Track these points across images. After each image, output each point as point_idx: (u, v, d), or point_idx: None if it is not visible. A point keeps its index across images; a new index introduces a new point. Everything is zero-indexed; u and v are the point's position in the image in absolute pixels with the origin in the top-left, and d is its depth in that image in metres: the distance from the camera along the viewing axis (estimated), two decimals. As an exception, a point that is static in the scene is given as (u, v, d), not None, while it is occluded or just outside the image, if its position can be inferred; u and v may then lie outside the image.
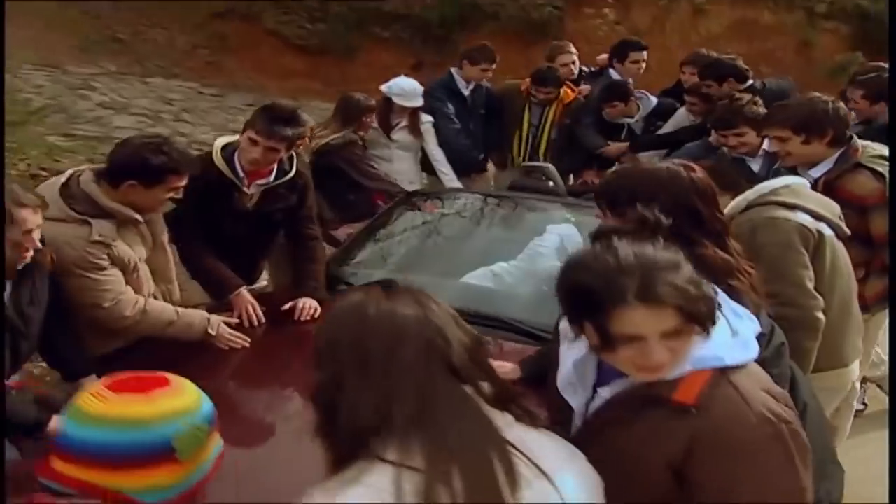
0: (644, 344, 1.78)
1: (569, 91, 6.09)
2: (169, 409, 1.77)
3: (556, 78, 5.96)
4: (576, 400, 2.07)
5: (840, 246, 3.21)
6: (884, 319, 4.00)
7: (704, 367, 1.85)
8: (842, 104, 3.74)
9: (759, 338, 2.12)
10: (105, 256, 3.22)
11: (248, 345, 3.39)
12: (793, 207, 3.09)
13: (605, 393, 2.01)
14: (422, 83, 5.77)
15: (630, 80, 6.03)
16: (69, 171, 3.33)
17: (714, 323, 1.85)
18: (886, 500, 2.86)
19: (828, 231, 3.14)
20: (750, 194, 3.16)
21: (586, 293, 1.83)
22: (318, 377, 1.67)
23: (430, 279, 3.95)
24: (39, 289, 3.02)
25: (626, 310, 1.77)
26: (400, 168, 5.64)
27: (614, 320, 1.79)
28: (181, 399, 1.81)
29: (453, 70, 6.09)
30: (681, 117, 5.69)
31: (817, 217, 3.12)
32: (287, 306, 3.65)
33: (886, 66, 5.02)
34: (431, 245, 4.38)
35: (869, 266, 3.78)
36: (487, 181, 6.36)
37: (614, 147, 5.81)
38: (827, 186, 3.61)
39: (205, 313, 3.46)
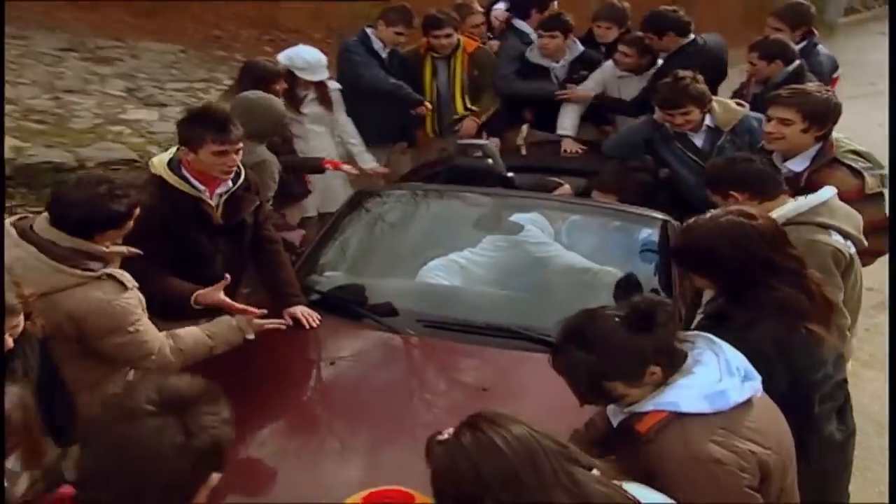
0: None
1: (470, 40, 5.85)
2: None
3: (450, 19, 5.69)
4: (615, 420, 2.38)
5: (858, 261, 3.34)
6: None
7: (663, 409, 2.19)
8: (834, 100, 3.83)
9: (818, 380, 2.64)
10: (137, 303, 3.04)
11: (283, 326, 3.48)
12: (828, 228, 3.17)
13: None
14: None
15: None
16: (7, 230, 2.95)
17: None
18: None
19: (852, 249, 3.26)
20: (790, 212, 3.18)
21: None
22: None
23: (410, 282, 3.93)
24: (30, 357, 2.75)
25: None
26: (317, 146, 5.32)
27: None
28: None
29: (368, 30, 5.68)
30: (608, 71, 5.64)
31: (846, 235, 3.22)
32: (282, 322, 3.51)
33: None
34: (398, 245, 4.27)
35: None
36: (408, 155, 6.14)
37: (577, 93, 5.67)
38: (806, 180, 3.73)
39: (227, 318, 3.36)
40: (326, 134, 5.45)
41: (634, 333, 2.23)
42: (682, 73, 4.46)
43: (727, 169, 3.40)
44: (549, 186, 4.55)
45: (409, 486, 2.26)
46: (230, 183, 3.63)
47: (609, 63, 5.67)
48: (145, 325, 3.06)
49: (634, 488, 1.96)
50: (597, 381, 2.24)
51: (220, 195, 3.62)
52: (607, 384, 2.24)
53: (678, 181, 4.56)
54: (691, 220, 2.81)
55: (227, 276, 3.46)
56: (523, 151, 5.77)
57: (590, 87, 5.67)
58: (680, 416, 2.17)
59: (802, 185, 3.68)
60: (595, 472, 1.86)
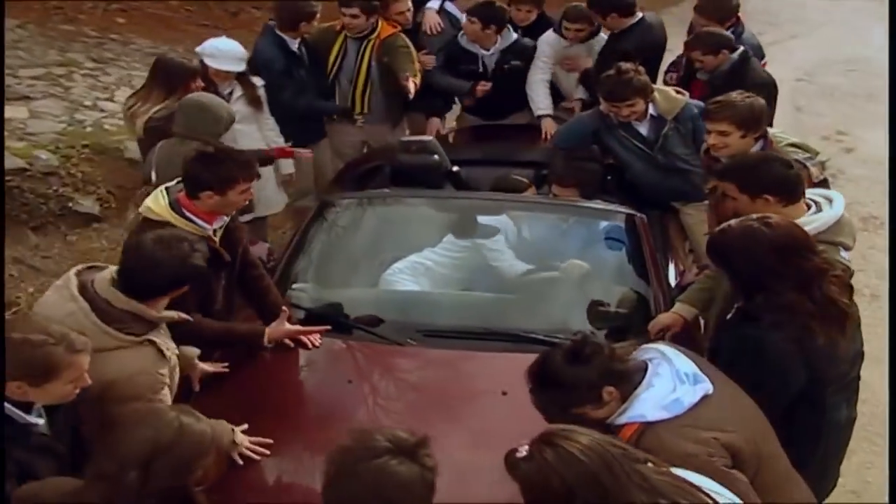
0: None
1: (389, 25, 5.67)
2: None
3: (365, 1, 5.47)
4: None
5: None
6: None
7: (634, 422, 2.56)
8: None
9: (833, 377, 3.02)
10: (167, 375, 2.96)
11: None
12: (838, 245, 3.31)
13: None
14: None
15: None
16: (69, 281, 2.92)
17: None
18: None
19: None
20: (814, 230, 3.22)
21: None
22: None
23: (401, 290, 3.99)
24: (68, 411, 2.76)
25: None
26: (247, 147, 5.10)
27: None
28: None
29: (272, 24, 5.47)
30: (554, 42, 5.70)
31: (847, 248, 3.37)
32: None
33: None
34: (370, 253, 4.27)
35: None
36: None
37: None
38: None
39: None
40: (255, 133, 5.23)
41: (577, 367, 2.61)
42: (624, 65, 4.61)
43: (764, 171, 3.40)
44: (519, 187, 4.59)
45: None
46: (225, 217, 3.54)
47: (551, 34, 5.71)
48: (164, 398, 2.97)
49: (679, 472, 2.21)
50: (567, 411, 2.59)
51: (215, 230, 3.52)
52: (576, 411, 2.60)
53: (626, 169, 4.76)
54: (726, 224, 3.06)
55: (284, 309, 3.58)
56: (450, 139, 5.79)
57: (544, 57, 5.72)
58: (650, 425, 2.55)
59: None
60: (650, 464, 2.13)
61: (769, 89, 5.02)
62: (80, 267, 3.02)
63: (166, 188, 3.50)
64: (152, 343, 2.91)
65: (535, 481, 2.05)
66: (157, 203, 3.44)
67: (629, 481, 2.02)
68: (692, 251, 4.78)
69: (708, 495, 2.13)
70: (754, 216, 3.03)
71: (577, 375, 2.59)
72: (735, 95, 4.03)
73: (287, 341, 3.56)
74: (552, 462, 2.04)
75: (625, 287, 3.96)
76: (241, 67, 5.14)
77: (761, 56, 5.75)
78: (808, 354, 2.91)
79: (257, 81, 5.24)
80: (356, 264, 4.24)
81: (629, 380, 2.62)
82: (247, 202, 3.66)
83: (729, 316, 3.14)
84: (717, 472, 2.42)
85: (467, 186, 4.78)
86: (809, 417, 3.01)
